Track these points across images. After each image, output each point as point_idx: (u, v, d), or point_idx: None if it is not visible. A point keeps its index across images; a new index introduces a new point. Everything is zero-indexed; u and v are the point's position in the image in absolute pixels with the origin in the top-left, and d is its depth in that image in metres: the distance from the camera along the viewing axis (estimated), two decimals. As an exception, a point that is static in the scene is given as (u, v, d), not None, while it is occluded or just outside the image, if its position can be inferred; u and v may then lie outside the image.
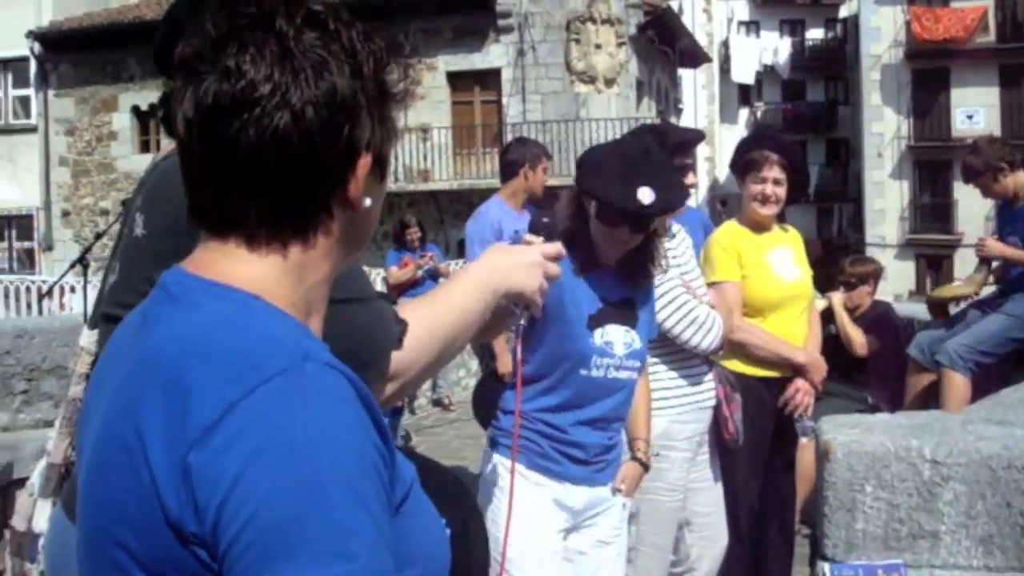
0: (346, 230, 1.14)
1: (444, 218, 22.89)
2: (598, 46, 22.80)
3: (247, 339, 1.00)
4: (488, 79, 23.71)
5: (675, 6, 31.65)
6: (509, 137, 21.98)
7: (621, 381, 3.16)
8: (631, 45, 23.89)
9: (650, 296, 3.36)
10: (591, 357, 3.08)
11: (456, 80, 23.92)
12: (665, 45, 28.34)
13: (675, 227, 3.96)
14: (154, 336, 1.04)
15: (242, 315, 1.04)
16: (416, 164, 23.68)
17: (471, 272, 1.89)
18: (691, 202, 4.21)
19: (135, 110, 25.44)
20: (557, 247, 1.92)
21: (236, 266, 1.09)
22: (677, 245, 3.90)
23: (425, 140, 23.46)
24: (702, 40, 37.10)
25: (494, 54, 23.38)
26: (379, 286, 15.77)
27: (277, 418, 0.94)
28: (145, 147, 25.57)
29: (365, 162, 1.11)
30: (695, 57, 33.47)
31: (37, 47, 25.49)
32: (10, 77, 26.56)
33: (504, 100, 23.44)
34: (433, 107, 23.54)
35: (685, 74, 35.48)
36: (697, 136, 4.55)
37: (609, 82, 23.01)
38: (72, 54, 25.56)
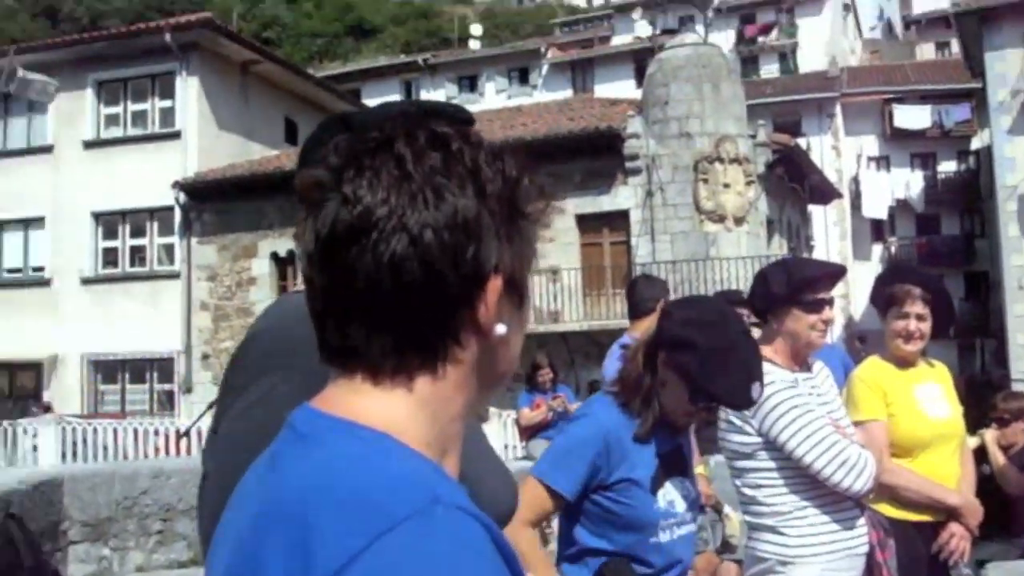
0: (480, 361, 1.08)
1: (574, 359, 22.81)
2: (727, 185, 22.76)
3: (373, 481, 0.94)
4: (617, 220, 23.81)
5: (803, 144, 31.59)
6: (639, 278, 21.99)
7: (685, 537, 3.02)
8: (760, 183, 23.82)
9: (690, 436, 3.23)
10: (658, 523, 2.93)
11: (585, 222, 24.07)
12: (795, 182, 28.21)
13: (817, 364, 3.83)
14: (278, 478, 1.01)
15: (369, 454, 0.98)
16: (546, 305, 23.76)
17: None
18: (827, 339, 4.06)
19: (274, 256, 26.19)
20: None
21: (364, 402, 1.04)
22: (821, 382, 3.77)
23: (555, 282, 23.57)
24: (832, 176, 36.88)
25: (622, 196, 23.53)
26: (510, 428, 15.77)
27: (404, 569, 0.87)
28: (283, 292, 26.13)
29: (495, 285, 1.05)
30: (825, 193, 33.22)
31: (182, 197, 26.50)
32: (156, 225, 27.58)
33: (633, 241, 23.48)
34: (562, 249, 23.71)
35: (816, 211, 35.21)
36: (836, 271, 4.22)
37: (739, 220, 22.89)
38: (215, 203, 26.51)
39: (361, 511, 0.90)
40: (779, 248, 25.90)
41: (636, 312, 6.10)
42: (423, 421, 1.04)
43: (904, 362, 4.34)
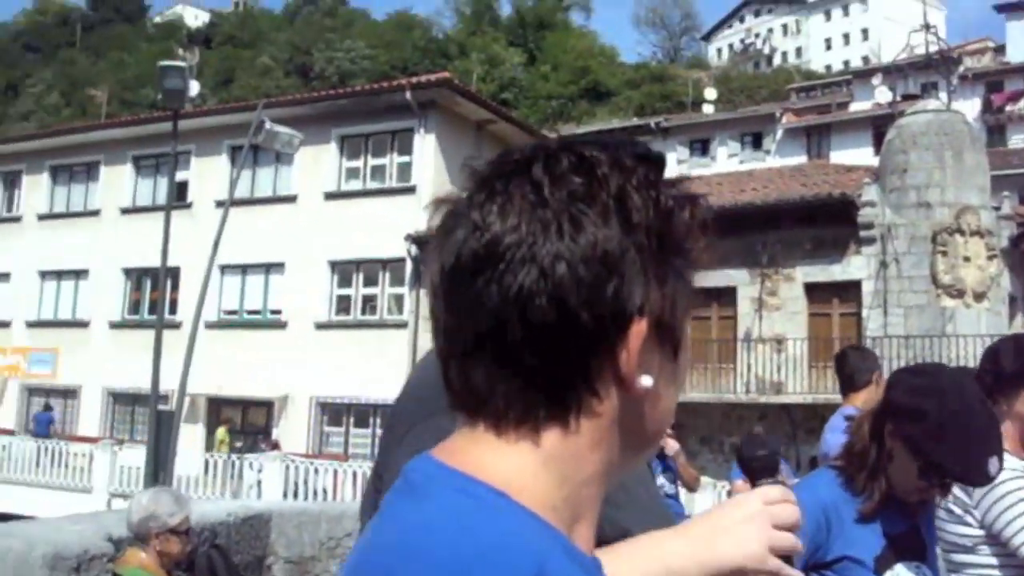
0: (622, 416, 0.94)
1: (796, 433, 22.12)
2: (967, 258, 21.75)
3: (472, 544, 0.82)
4: (847, 291, 23.06)
5: (1054, 218, 29.89)
6: (868, 351, 21.22)
7: None
8: (1003, 258, 22.65)
9: (932, 518, 2.93)
10: None
11: (814, 291, 23.42)
12: (1042, 259, 26.72)
13: None
14: (378, 529, 0.90)
15: (477, 514, 0.86)
16: (769, 375, 23.19)
17: (656, 560, 1.31)
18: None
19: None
20: (780, 490, 1.39)
21: (485, 455, 0.92)
22: None
23: (779, 351, 23.00)
24: (1084, 254, 34.72)
25: (855, 266, 22.79)
26: (719, 499, 15.37)
27: None
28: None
29: (639, 329, 0.91)
30: (1076, 272, 31.33)
31: (413, 249, 27.27)
32: (387, 276, 28.48)
33: (864, 313, 22.66)
34: (788, 318, 23.14)
35: (1065, 289, 33.19)
36: None
37: (979, 296, 21.80)
38: (444, 257, 27.15)
39: None
40: (1022, 328, 24.51)
41: (851, 385, 5.82)
42: (549, 480, 0.92)
43: None
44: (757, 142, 55.32)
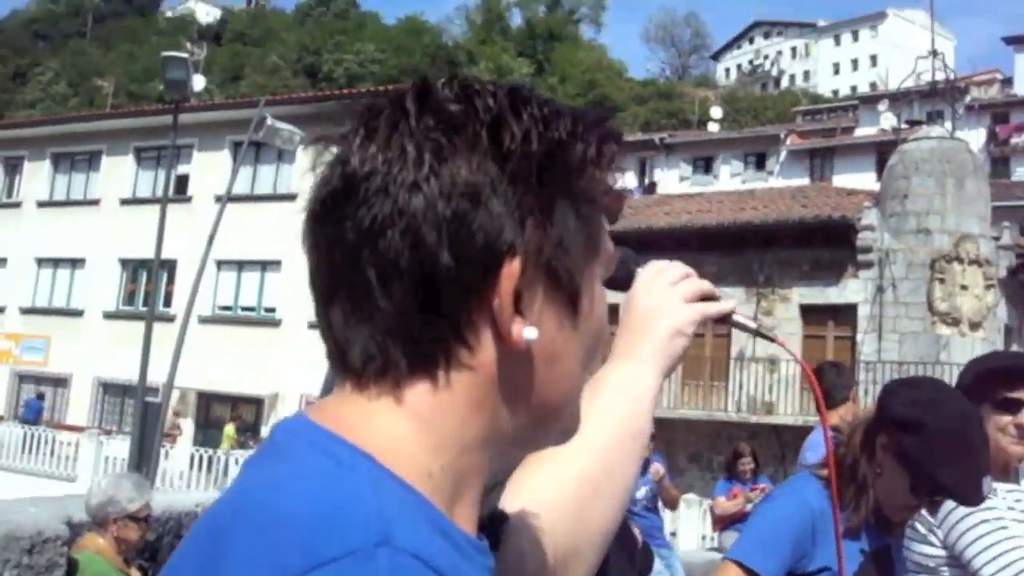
0: (506, 375, 0.84)
1: (785, 454, 22.02)
2: (964, 287, 21.69)
3: (316, 507, 0.73)
4: (843, 314, 23.00)
5: (1053, 251, 29.88)
6: (862, 376, 21.22)
7: None
8: (1001, 288, 22.59)
9: (901, 539, 2.82)
10: None
11: (809, 313, 23.37)
12: (1039, 291, 26.69)
13: None
14: (230, 488, 0.82)
15: (328, 476, 0.76)
16: (761, 396, 23.14)
17: (615, 371, 1.31)
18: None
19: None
20: (679, 265, 1.41)
21: (354, 414, 0.83)
22: None
23: (772, 372, 22.94)
24: (1082, 289, 34.70)
25: (851, 289, 22.74)
26: (708, 518, 15.27)
27: None
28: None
29: (511, 270, 0.81)
30: (1074, 306, 31.29)
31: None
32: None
33: (859, 337, 22.60)
34: (784, 339, 23.07)
35: (1061, 323, 33.15)
36: None
37: (974, 326, 21.74)
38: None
39: (283, 542, 0.70)
40: (1017, 359, 24.47)
41: (828, 401, 5.76)
42: (424, 444, 0.82)
43: None
44: (760, 162, 55.34)
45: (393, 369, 0.82)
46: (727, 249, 23.45)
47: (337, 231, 0.82)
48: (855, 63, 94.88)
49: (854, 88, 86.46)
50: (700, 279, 1.41)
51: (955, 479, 2.50)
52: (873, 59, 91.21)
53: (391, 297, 0.81)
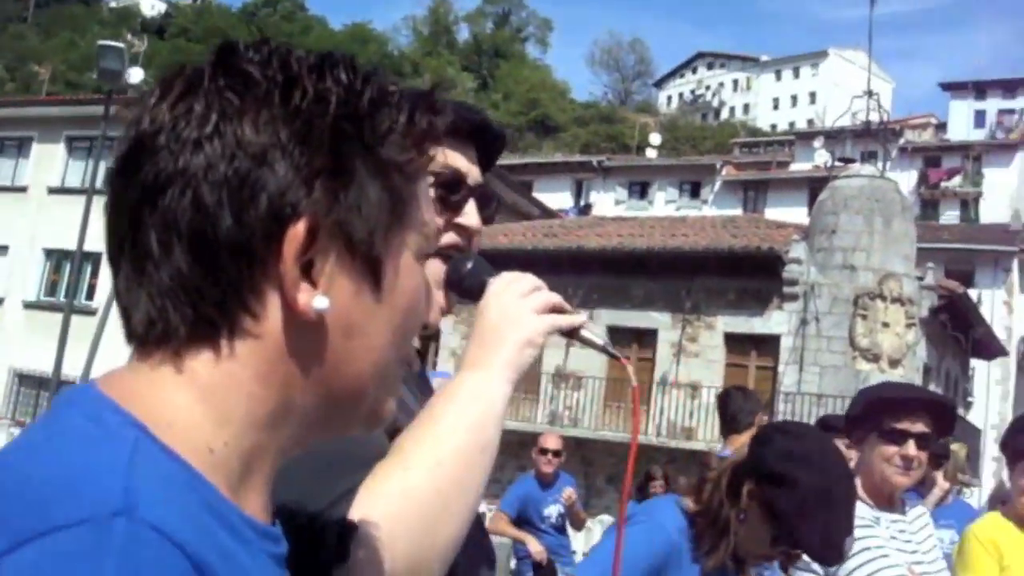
0: (296, 346, 0.80)
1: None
2: (886, 324, 21.99)
3: (60, 471, 0.68)
4: (766, 345, 23.22)
5: (974, 295, 30.51)
6: (782, 406, 21.46)
7: None
8: (921, 327, 22.95)
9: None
10: None
11: (733, 342, 23.56)
12: (958, 331, 27.18)
13: (916, 509, 3.44)
14: None
15: (87, 441, 0.71)
16: (681, 421, 23.28)
17: (464, 380, 1.31)
18: (972, 502, 3.62)
19: (419, 330, 26.33)
20: (529, 278, 1.43)
21: (139, 382, 0.79)
22: (916, 529, 3.37)
23: (694, 398, 23.09)
24: (1000, 333, 35.48)
25: (775, 320, 22.96)
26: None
27: None
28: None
29: (295, 234, 0.77)
30: (990, 349, 31.93)
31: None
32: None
33: (780, 368, 22.83)
34: (706, 365, 23.26)
35: (978, 365, 33.88)
36: (925, 398, 3.54)
37: (894, 363, 22.04)
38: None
39: (20, 506, 0.66)
40: (933, 398, 24.86)
41: (732, 426, 5.77)
42: (206, 416, 0.77)
43: None
44: (696, 191, 55.85)
45: (174, 336, 0.78)
46: (656, 274, 23.61)
47: (123, 191, 0.80)
48: (794, 99, 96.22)
49: (792, 124, 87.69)
50: (550, 291, 1.42)
51: (818, 539, 2.44)
52: (812, 96, 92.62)
53: (171, 260, 0.77)
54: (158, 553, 0.66)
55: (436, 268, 1.49)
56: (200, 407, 0.78)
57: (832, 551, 2.47)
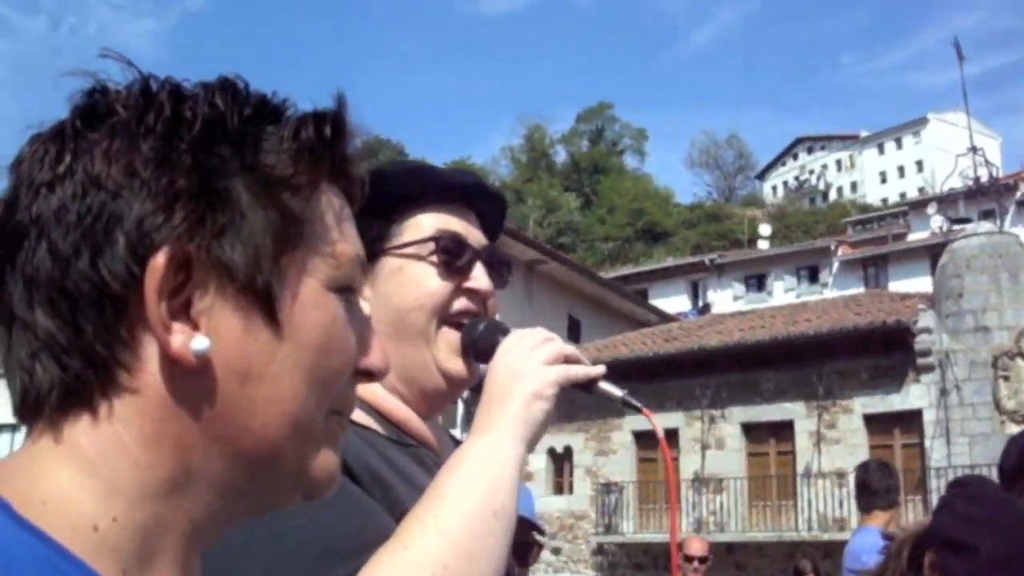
0: (184, 398, 0.71)
1: (863, 570, 21.25)
2: (1031, 383, 21.07)
3: None
4: (908, 421, 22.38)
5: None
6: (933, 483, 20.56)
7: None
8: (1070, 383, 21.91)
9: None
10: None
11: (873, 422, 22.75)
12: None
13: None
14: None
15: None
16: (831, 512, 22.42)
17: (477, 445, 1.24)
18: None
19: (550, 452, 26.09)
20: (541, 331, 1.38)
21: (16, 460, 0.71)
22: None
23: (841, 486, 22.25)
24: None
25: (914, 394, 22.15)
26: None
27: None
28: (559, 488, 26.13)
29: (155, 266, 0.68)
30: None
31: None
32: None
33: (927, 443, 21.93)
34: (849, 451, 22.43)
35: None
36: None
37: (1047, 423, 21.04)
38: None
39: None
40: (1097, 454, 23.59)
41: (874, 503, 5.48)
42: (91, 490, 0.68)
43: None
44: (814, 276, 55.04)
45: (45, 402, 0.70)
46: (783, 364, 23.07)
47: None
48: (901, 170, 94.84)
49: (903, 194, 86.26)
50: (564, 342, 1.36)
51: None
52: (919, 164, 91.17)
53: (34, 318, 0.70)
54: None
55: (451, 335, 1.48)
56: (83, 480, 0.68)
57: None
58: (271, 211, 0.74)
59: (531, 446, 1.27)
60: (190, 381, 0.71)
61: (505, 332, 1.40)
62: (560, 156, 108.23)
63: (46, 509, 0.66)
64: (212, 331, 0.71)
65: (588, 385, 1.36)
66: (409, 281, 1.47)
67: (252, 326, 0.73)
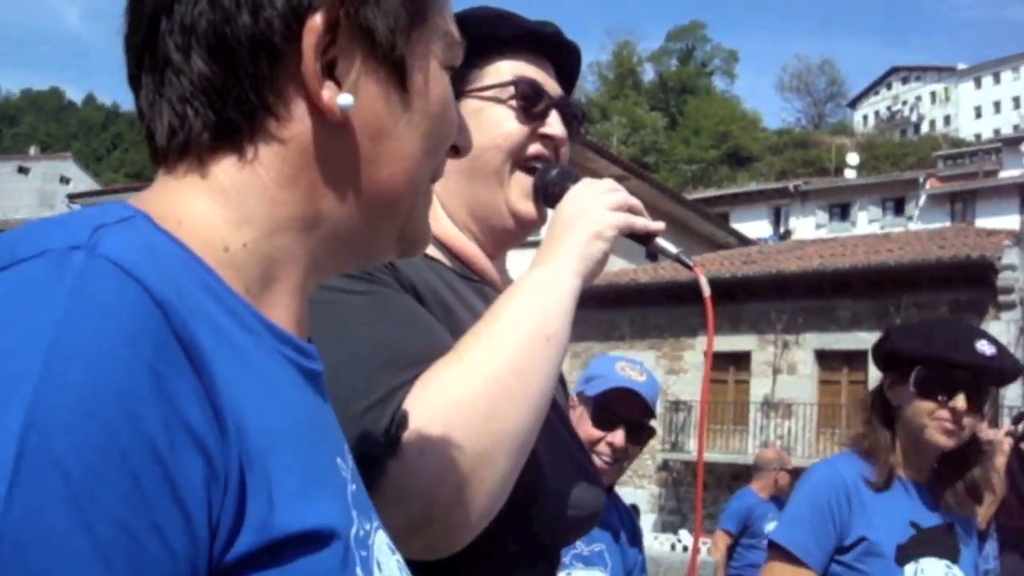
0: (323, 148, 0.78)
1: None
2: (1114, 326, 20.76)
3: (45, 222, 0.66)
4: (986, 357, 22.18)
5: None
6: (1006, 421, 20.40)
7: None
8: None
9: (974, 526, 2.72)
10: None
11: (978, 330, 22.47)
12: None
13: None
14: None
15: (88, 211, 0.67)
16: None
17: (536, 273, 1.32)
18: None
19: (623, 368, 26.21)
20: (608, 181, 1.46)
21: (155, 193, 0.77)
22: None
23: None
24: None
25: (993, 331, 21.78)
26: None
27: None
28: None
29: (313, 26, 0.75)
30: None
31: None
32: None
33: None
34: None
35: None
36: None
37: None
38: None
39: None
40: None
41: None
42: (223, 218, 0.75)
43: None
44: (899, 208, 53.98)
45: (196, 143, 0.77)
46: (862, 293, 22.90)
47: (138, 4, 0.78)
48: (997, 105, 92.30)
49: (997, 131, 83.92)
50: (630, 195, 1.44)
51: (933, 346, 2.65)
52: (1016, 101, 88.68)
53: (190, 64, 0.75)
54: (115, 284, 0.60)
55: (523, 179, 1.53)
56: (219, 209, 0.76)
57: (964, 350, 2.60)
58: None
59: (588, 282, 1.36)
60: (331, 133, 0.78)
61: (576, 179, 1.49)
62: (648, 75, 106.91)
63: (181, 227, 0.72)
64: (353, 91, 0.78)
65: (646, 238, 1.44)
66: (487, 122, 1.50)
67: (387, 92, 0.81)
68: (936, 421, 2.60)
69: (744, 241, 36.12)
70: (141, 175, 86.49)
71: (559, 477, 1.38)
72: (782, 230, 52.63)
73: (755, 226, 50.48)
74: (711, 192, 60.20)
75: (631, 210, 1.42)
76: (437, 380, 1.17)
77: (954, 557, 2.63)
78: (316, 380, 0.80)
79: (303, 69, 0.76)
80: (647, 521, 24.84)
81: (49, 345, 0.56)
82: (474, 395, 1.16)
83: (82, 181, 70.13)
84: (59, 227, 0.64)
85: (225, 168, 0.77)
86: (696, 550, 1.47)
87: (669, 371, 25.44)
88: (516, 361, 1.20)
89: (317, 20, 0.75)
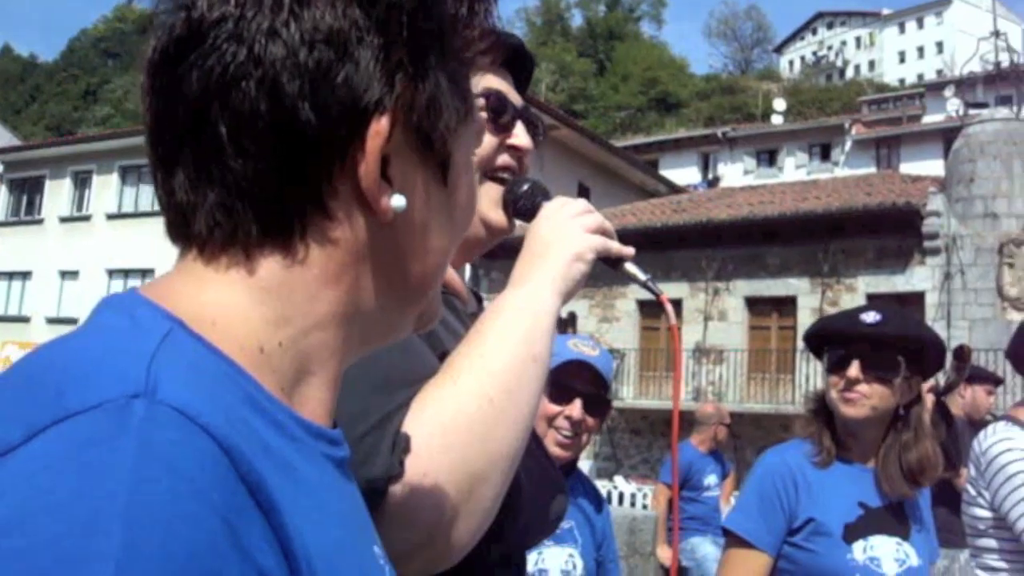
0: (372, 249, 0.77)
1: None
2: (1035, 272, 21.22)
3: (80, 358, 0.63)
4: (911, 302, 22.52)
5: None
6: (931, 363, 20.88)
7: None
8: (1073, 272, 22.08)
9: (925, 504, 2.82)
10: None
11: (877, 302, 22.66)
12: (1115, 274, 26.02)
13: None
14: None
15: (113, 331, 0.66)
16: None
17: (515, 297, 1.33)
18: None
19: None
20: (581, 202, 1.48)
21: (187, 285, 0.74)
22: None
23: (839, 361, 22.64)
24: None
25: (918, 277, 22.34)
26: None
27: (51, 476, 0.55)
28: (561, 353, 26.52)
29: (378, 129, 0.73)
30: None
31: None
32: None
33: (929, 325, 22.15)
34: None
35: None
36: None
37: (1047, 311, 21.26)
38: (504, 260, 27.22)
39: (37, 395, 0.60)
40: (1093, 343, 23.85)
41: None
42: (261, 316, 0.73)
43: None
44: (826, 153, 54.68)
45: (243, 236, 0.74)
46: (790, 240, 23.17)
47: (181, 84, 0.73)
48: (920, 50, 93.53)
49: (920, 76, 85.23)
50: (603, 217, 1.46)
51: (827, 322, 2.97)
52: (939, 46, 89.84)
53: (244, 157, 0.72)
54: (181, 435, 0.59)
55: (492, 188, 1.55)
56: (256, 307, 0.73)
57: (850, 320, 2.84)
58: (456, 87, 0.81)
59: (565, 302, 1.38)
60: (379, 233, 0.77)
61: (547, 195, 1.50)
62: (576, 20, 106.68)
63: (216, 329, 0.70)
64: (404, 190, 0.77)
65: (616, 261, 1.47)
66: None
67: (431, 189, 0.81)
68: (839, 393, 2.73)
69: (674, 188, 36.38)
70: (60, 127, 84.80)
71: (532, 485, 1.41)
72: (711, 176, 53.11)
73: (684, 172, 50.91)
74: (640, 139, 60.51)
75: (604, 233, 1.44)
76: (434, 402, 1.19)
77: (904, 535, 2.70)
78: (344, 466, 0.79)
79: (362, 172, 0.74)
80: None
81: (124, 516, 0.54)
82: (470, 417, 1.18)
83: (0, 135, 68.87)
84: (109, 367, 0.62)
85: (270, 265, 0.74)
86: (675, 551, 1.45)
87: (602, 319, 25.65)
88: (507, 382, 1.22)
89: (383, 123, 0.74)
